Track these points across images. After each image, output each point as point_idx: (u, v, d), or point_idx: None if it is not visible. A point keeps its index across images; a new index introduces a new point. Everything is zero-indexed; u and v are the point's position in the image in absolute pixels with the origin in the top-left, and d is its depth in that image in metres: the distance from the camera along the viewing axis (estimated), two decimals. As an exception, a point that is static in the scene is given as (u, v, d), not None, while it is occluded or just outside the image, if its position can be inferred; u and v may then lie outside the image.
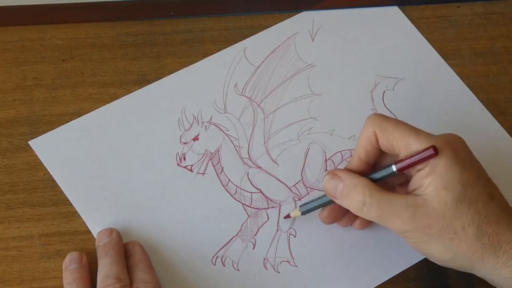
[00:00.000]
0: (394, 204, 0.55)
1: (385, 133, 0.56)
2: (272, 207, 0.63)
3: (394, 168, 0.56)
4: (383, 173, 0.57)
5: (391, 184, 0.61)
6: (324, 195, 0.60)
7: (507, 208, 0.56)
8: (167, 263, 0.60)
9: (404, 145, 0.55)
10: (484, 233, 0.54)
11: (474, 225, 0.53)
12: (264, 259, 0.61)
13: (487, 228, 0.54)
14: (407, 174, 0.58)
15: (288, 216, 0.63)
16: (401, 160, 0.55)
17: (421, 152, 0.54)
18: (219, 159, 0.65)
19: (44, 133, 0.65)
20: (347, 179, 0.57)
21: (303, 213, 0.62)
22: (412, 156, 0.54)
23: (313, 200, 0.61)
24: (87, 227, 0.61)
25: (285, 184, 0.64)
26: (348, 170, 0.58)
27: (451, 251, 0.54)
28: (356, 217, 0.61)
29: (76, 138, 0.64)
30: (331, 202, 0.59)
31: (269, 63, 0.70)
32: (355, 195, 0.56)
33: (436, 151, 0.53)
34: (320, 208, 0.61)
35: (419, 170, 0.55)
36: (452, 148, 0.54)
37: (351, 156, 0.63)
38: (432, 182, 0.54)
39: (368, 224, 0.62)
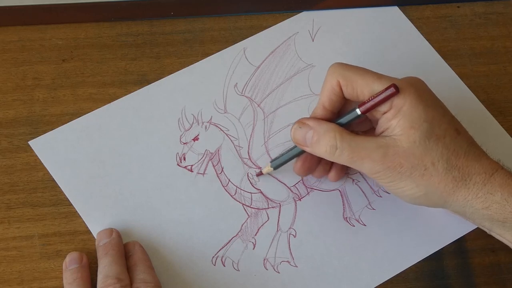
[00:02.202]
0: (365, 146, 0.55)
1: (349, 82, 0.57)
2: (272, 207, 0.63)
3: (358, 111, 0.56)
4: (348, 118, 0.57)
5: (356, 133, 0.61)
6: (295, 147, 0.60)
7: (473, 142, 0.57)
8: (167, 263, 0.60)
9: (369, 91, 0.56)
10: (454, 166, 0.54)
11: (444, 159, 0.54)
12: (264, 259, 0.61)
13: (456, 162, 0.54)
14: (372, 120, 0.58)
15: (260, 173, 0.63)
16: (364, 103, 0.56)
17: (382, 92, 0.54)
18: (219, 159, 0.65)
19: (44, 133, 0.65)
20: (316, 126, 0.57)
21: (275, 168, 0.62)
22: (374, 97, 0.55)
23: (283, 154, 0.61)
24: (87, 227, 0.61)
25: (285, 184, 0.64)
26: (315, 118, 0.58)
27: (423, 187, 0.55)
28: (329, 167, 0.62)
29: (76, 138, 0.64)
30: (302, 152, 0.60)
31: (269, 63, 0.70)
32: (326, 141, 0.56)
33: (397, 89, 0.54)
34: (294, 161, 0.61)
35: (385, 112, 0.55)
36: (415, 88, 0.55)
37: None
38: (399, 123, 0.55)
39: (341, 175, 0.63)
